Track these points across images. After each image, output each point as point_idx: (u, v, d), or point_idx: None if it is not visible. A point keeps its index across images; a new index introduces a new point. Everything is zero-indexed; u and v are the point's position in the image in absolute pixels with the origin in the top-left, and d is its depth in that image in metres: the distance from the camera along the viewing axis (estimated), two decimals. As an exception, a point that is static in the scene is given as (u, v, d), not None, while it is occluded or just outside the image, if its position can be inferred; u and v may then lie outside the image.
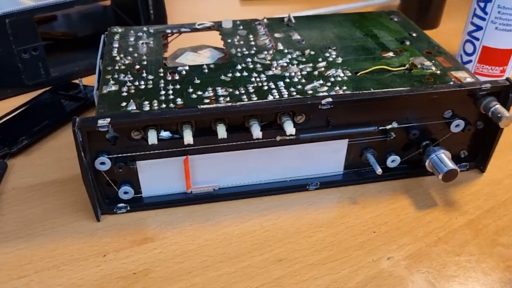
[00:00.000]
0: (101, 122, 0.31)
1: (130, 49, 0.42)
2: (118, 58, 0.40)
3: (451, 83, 0.37)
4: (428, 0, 0.62)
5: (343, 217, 0.36)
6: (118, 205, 0.36)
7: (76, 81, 0.50)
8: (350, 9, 0.68)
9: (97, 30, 0.59)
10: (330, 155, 0.38)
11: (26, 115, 0.45)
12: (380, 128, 0.36)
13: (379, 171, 0.36)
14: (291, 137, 0.35)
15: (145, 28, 0.45)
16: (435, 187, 0.39)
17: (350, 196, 0.38)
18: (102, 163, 0.33)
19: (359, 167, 0.39)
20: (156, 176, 0.35)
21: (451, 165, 0.36)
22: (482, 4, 0.48)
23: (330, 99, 0.33)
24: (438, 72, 0.39)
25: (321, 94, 0.35)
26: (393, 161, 0.38)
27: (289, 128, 0.33)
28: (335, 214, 0.36)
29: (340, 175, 0.39)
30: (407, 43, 0.43)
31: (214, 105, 0.33)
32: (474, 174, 0.41)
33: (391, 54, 0.41)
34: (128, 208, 0.36)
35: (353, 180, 0.39)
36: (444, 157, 0.37)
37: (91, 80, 0.40)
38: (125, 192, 0.35)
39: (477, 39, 0.50)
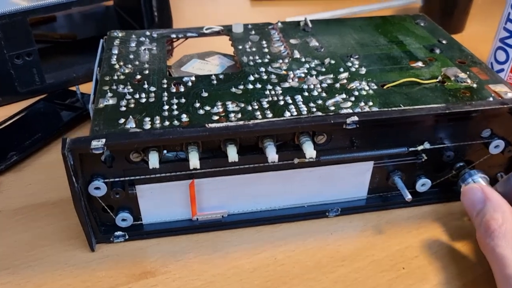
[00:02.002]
0: (95, 143, 0.27)
1: (131, 56, 0.38)
2: (117, 66, 0.36)
3: (491, 99, 0.33)
4: (453, 2, 0.58)
5: (368, 249, 0.32)
6: (115, 233, 0.32)
7: (74, 88, 0.46)
8: (367, 11, 0.64)
9: (98, 32, 0.55)
10: (353, 178, 0.33)
11: (18, 127, 0.41)
12: (411, 149, 0.32)
13: (408, 198, 0.32)
14: (311, 160, 0.30)
15: (147, 33, 0.41)
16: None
17: (375, 224, 0.34)
18: (97, 188, 0.29)
19: (385, 191, 0.35)
20: (158, 201, 0.32)
21: (491, 192, 0.32)
22: (517, 8, 0.44)
23: (356, 118, 0.29)
24: (475, 85, 0.35)
25: (344, 111, 0.31)
26: (423, 185, 0.34)
27: (309, 151, 0.29)
28: (358, 245, 0.32)
29: (364, 200, 0.35)
30: (437, 51, 0.39)
31: (224, 124, 0.29)
32: (511, 198, 0.36)
33: (420, 64, 0.37)
34: (127, 237, 0.32)
35: (378, 205, 0.35)
36: (482, 183, 0.33)
37: (89, 87, 0.36)
38: (123, 220, 0.31)
39: (511, 46, 0.46)
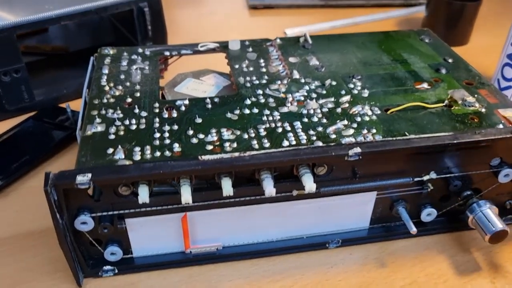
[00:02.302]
0: (80, 178, 0.25)
1: (122, 76, 0.36)
2: (107, 88, 0.35)
3: (501, 126, 0.31)
4: (458, 13, 0.56)
5: (370, 285, 0.30)
6: (104, 267, 0.30)
7: (64, 105, 0.44)
8: (369, 21, 0.62)
9: (92, 43, 0.53)
10: (355, 209, 0.32)
11: (5, 148, 0.40)
12: (416, 179, 0.31)
13: (413, 230, 0.31)
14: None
15: (140, 50, 0.39)
16: (477, 245, 0.33)
17: (377, 256, 0.32)
18: (84, 223, 0.28)
19: (388, 222, 0.33)
20: (150, 234, 0.30)
21: (500, 225, 0.30)
22: (526, 24, 0.42)
23: (358, 150, 0.28)
24: (483, 110, 0.33)
25: (346, 139, 0.29)
26: (429, 214, 0.33)
27: (309, 184, 0.27)
28: (360, 280, 0.31)
29: (366, 231, 0.33)
30: (443, 71, 0.37)
31: (218, 156, 0.27)
32: (522, 227, 0.35)
33: (425, 85, 0.36)
34: (116, 271, 0.30)
35: (381, 236, 0.33)
36: (491, 215, 0.31)
37: (80, 104, 0.35)
38: (112, 254, 0.30)
39: (519, 62, 0.44)
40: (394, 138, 0.29)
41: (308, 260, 0.32)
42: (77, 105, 0.44)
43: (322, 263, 0.32)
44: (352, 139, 0.30)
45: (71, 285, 0.30)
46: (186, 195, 0.27)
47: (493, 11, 0.56)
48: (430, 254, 0.33)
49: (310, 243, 0.32)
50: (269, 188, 0.27)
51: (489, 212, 0.31)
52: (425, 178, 0.31)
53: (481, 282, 0.31)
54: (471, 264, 0.32)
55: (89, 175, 0.26)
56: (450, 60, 0.39)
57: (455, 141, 0.29)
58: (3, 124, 0.43)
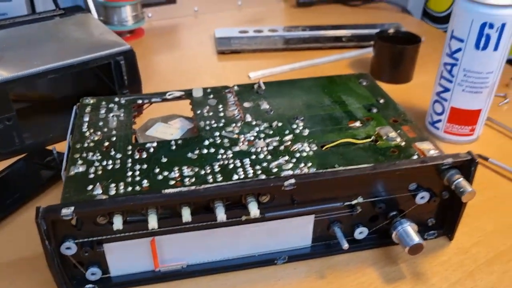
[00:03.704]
0: (65, 211, 0.31)
1: (101, 123, 0.42)
2: (87, 133, 0.41)
3: (415, 157, 0.38)
4: (399, 55, 0.63)
5: (311, 293, 0.36)
6: (86, 286, 0.36)
7: (51, 147, 0.50)
8: (325, 62, 0.69)
9: (76, 91, 0.59)
10: (297, 230, 0.38)
11: (-1, 186, 0.45)
12: (346, 203, 0.37)
13: (345, 246, 0.37)
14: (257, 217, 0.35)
15: (116, 99, 0.46)
16: (403, 257, 0.39)
17: (318, 269, 0.38)
18: (68, 248, 0.33)
19: (327, 240, 0.39)
20: (124, 256, 0.36)
21: (416, 239, 0.37)
22: (448, 67, 0.49)
23: (293, 180, 0.34)
24: (403, 144, 0.40)
25: (285, 172, 0.36)
26: (361, 232, 0.39)
27: (254, 210, 0.33)
28: (302, 290, 0.37)
29: (308, 248, 0.39)
30: (374, 110, 0.44)
31: (178, 190, 0.34)
32: (442, 242, 0.41)
33: (357, 124, 0.42)
34: (96, 289, 0.36)
35: (322, 252, 0.39)
36: (410, 231, 0.37)
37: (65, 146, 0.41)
38: (93, 274, 0.35)
39: (446, 100, 0.51)
40: (324, 170, 0.36)
41: (258, 275, 0.38)
42: (62, 147, 0.50)
43: (271, 277, 0.38)
44: (290, 172, 0.36)
45: (58, 302, 0.36)
46: (153, 222, 0.33)
47: (435, 50, 0.63)
48: (363, 266, 0.39)
49: (261, 260, 0.38)
50: (220, 215, 0.33)
51: (409, 229, 0.38)
52: (354, 202, 0.37)
53: (404, 288, 0.37)
54: (397, 273, 0.38)
55: (72, 208, 0.31)
56: (381, 101, 0.46)
57: (373, 171, 0.35)
58: (-4, 166, 0.49)
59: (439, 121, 0.53)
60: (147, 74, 0.64)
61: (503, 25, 0.45)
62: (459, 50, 0.48)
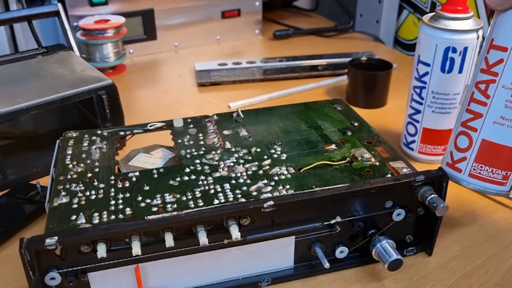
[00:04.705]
0: (48, 241, 0.32)
1: (83, 155, 0.43)
2: (71, 166, 0.42)
3: (389, 175, 0.39)
4: (372, 81, 0.66)
5: (295, 314, 0.37)
6: (71, 316, 0.36)
7: (34, 182, 0.50)
8: (302, 91, 0.71)
9: (59, 126, 0.60)
10: (279, 252, 0.39)
11: (-18, 223, 0.46)
12: (325, 223, 0.38)
13: (326, 265, 0.38)
14: (238, 240, 0.36)
15: (99, 131, 0.47)
16: (385, 274, 0.40)
17: (301, 290, 0.39)
18: (52, 279, 0.34)
19: (310, 260, 0.40)
20: (109, 285, 0.36)
21: (394, 255, 0.38)
22: (418, 90, 0.52)
23: (271, 202, 0.35)
24: (377, 163, 0.41)
25: (264, 195, 0.37)
26: (342, 252, 0.40)
27: (235, 233, 0.34)
28: (286, 311, 0.37)
29: (291, 269, 0.40)
30: (349, 133, 0.46)
31: (160, 216, 0.34)
32: (422, 257, 0.42)
33: (333, 146, 0.44)
34: (81, 319, 0.36)
35: (305, 273, 0.40)
36: (388, 248, 0.39)
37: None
38: (78, 304, 0.36)
39: (417, 121, 0.53)
40: (302, 192, 0.37)
41: (243, 298, 0.38)
42: (46, 181, 0.51)
43: (255, 299, 0.38)
44: (269, 195, 0.37)
45: (43, 334, 0.36)
46: (136, 249, 0.33)
47: (407, 75, 0.66)
48: (347, 284, 0.39)
49: (245, 283, 0.39)
50: (202, 238, 0.34)
51: (387, 246, 0.39)
52: (332, 221, 0.38)
53: (385, 305, 0.38)
54: (379, 291, 0.39)
55: (56, 238, 0.32)
56: (356, 124, 0.48)
57: (349, 190, 0.37)
58: (-21, 203, 0.49)
59: (413, 141, 0.54)
60: (129, 108, 0.65)
61: (465, 49, 0.47)
62: (426, 74, 0.50)
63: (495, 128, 0.39)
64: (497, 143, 0.39)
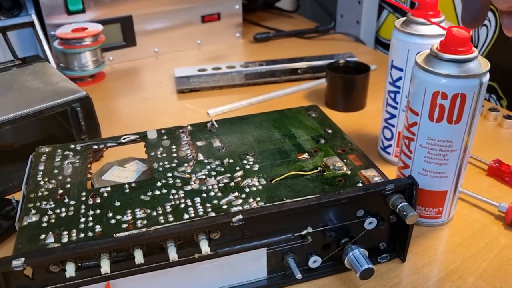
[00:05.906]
0: (15, 263, 0.32)
1: (55, 171, 0.43)
2: (42, 182, 0.41)
3: (360, 184, 0.40)
4: (350, 84, 0.66)
5: (268, 325, 0.37)
6: (43, 336, 0.36)
7: (10, 197, 0.50)
8: (282, 95, 0.71)
9: (36, 138, 0.60)
10: (252, 263, 0.39)
11: (-44, 240, 0.45)
12: (296, 234, 0.38)
13: (298, 276, 0.38)
14: (208, 254, 0.36)
15: (72, 146, 0.47)
16: (359, 281, 0.40)
17: (276, 301, 0.39)
18: (22, 300, 0.34)
19: (283, 270, 0.40)
20: (80, 303, 0.36)
21: (366, 264, 0.38)
22: (392, 95, 0.52)
23: (240, 216, 0.35)
24: (349, 172, 0.41)
25: (235, 209, 0.37)
26: (315, 261, 0.40)
27: (204, 248, 0.34)
28: (260, 323, 0.37)
29: (265, 280, 0.40)
30: (322, 141, 0.46)
31: (129, 233, 0.34)
32: (396, 264, 0.42)
33: (306, 155, 0.44)
34: (53, 338, 0.36)
35: (279, 283, 0.40)
36: (360, 256, 0.39)
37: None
38: (49, 324, 0.35)
39: (393, 125, 0.53)
40: (271, 204, 0.37)
41: (217, 311, 0.38)
42: (21, 196, 0.51)
43: (229, 312, 0.38)
44: (240, 208, 0.37)
45: None
46: (105, 267, 0.33)
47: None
48: (320, 294, 0.40)
49: (219, 296, 0.39)
50: (172, 254, 0.34)
51: (358, 255, 0.39)
52: (304, 232, 0.38)
53: (358, 313, 0.38)
54: (352, 299, 0.39)
55: (23, 259, 0.32)
56: (329, 131, 0.48)
57: (318, 202, 0.37)
58: (-46, 220, 0.49)
59: (390, 146, 0.55)
60: (107, 118, 0.65)
61: (437, 54, 0.48)
62: (400, 78, 0.50)
63: (420, 178, 0.43)
64: (424, 189, 0.44)
